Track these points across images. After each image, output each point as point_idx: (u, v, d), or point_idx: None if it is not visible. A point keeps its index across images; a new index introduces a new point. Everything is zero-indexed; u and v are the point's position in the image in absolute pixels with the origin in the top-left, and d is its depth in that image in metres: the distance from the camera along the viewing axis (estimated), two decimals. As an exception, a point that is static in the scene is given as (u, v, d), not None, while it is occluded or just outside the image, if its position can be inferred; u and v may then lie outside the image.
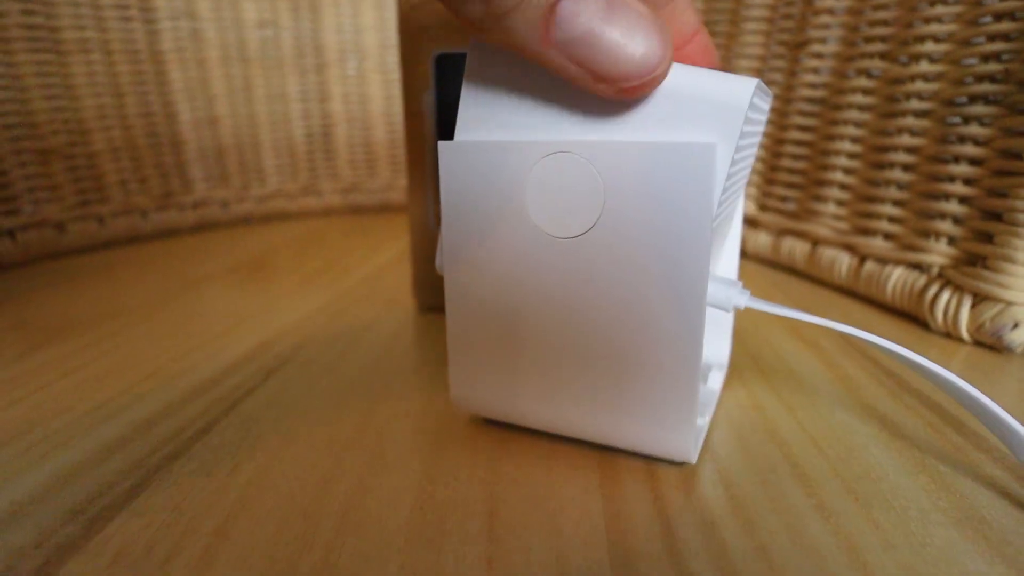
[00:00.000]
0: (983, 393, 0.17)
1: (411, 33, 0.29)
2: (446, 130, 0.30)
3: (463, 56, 0.28)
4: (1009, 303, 0.25)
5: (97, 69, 0.53)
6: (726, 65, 0.45)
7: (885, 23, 0.32)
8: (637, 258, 0.15)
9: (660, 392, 0.16)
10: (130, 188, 0.54)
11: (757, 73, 0.42)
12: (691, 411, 0.16)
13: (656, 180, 0.15)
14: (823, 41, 0.37)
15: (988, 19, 0.27)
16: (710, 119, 0.15)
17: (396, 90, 0.66)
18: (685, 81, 0.15)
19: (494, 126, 0.17)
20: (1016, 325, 0.25)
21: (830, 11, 0.36)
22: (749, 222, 0.42)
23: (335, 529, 0.15)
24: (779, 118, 0.40)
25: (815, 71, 0.37)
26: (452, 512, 0.16)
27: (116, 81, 0.54)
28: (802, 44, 0.38)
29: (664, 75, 0.14)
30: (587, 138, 0.16)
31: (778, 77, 0.40)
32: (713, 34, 0.46)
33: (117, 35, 0.54)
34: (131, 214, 0.54)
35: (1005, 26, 0.26)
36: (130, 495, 0.17)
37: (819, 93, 0.37)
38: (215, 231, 0.58)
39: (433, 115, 0.30)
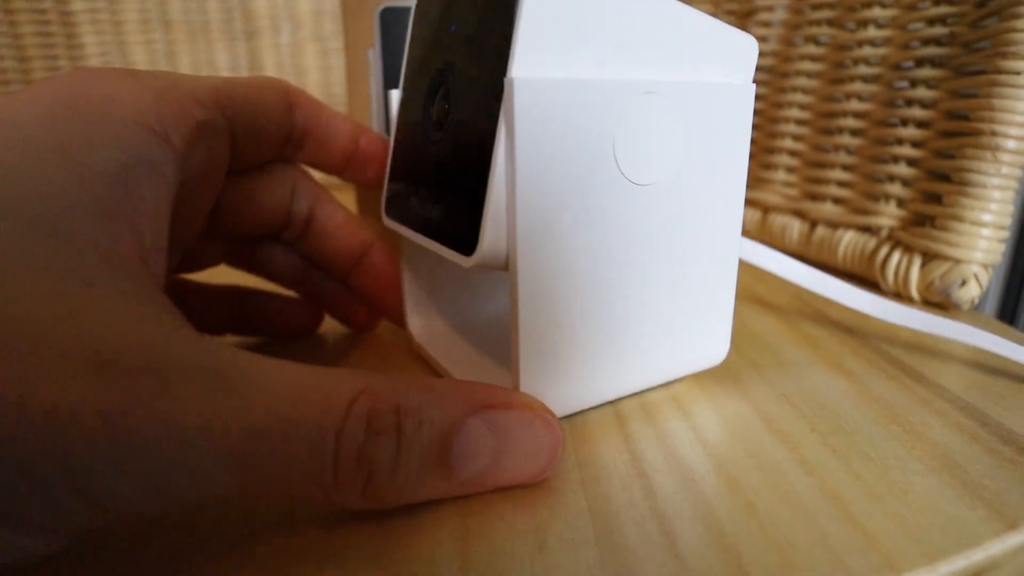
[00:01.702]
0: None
1: (354, -15, 0.27)
2: (392, 83, 0.29)
3: (407, 9, 0.27)
4: (957, 261, 0.25)
5: (-2, 30, 0.48)
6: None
7: (832, -11, 0.33)
8: (700, 196, 0.17)
9: (708, 309, 0.18)
10: (40, 161, 0.50)
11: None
12: (730, 314, 0.19)
13: (719, 120, 0.16)
14: (771, 10, 0.37)
15: (934, -17, 0.28)
16: (738, 61, 0.17)
17: (334, 60, 0.63)
18: (708, 25, 0.16)
19: (564, 61, 0.14)
20: (964, 282, 0.25)
21: (777, -21, 0.36)
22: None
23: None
24: (727, 87, 0.40)
25: (763, 40, 0.37)
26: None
27: (20, 43, 0.50)
28: (750, 13, 0.38)
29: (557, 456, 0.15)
30: (666, 77, 0.16)
31: (725, 46, 0.40)
32: None
33: (18, -8, 0.49)
34: (42, 189, 0.49)
35: (951, -11, 0.27)
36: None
37: (768, 62, 0.37)
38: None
39: (379, 72, 0.28)
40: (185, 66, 0.59)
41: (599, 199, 0.15)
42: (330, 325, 0.24)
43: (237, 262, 0.22)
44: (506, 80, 0.13)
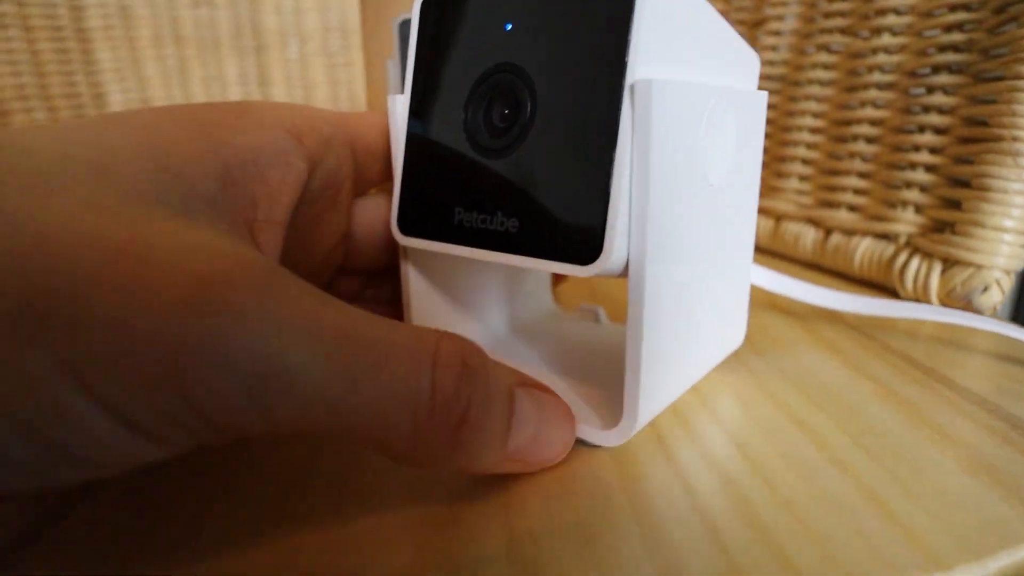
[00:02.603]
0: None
1: (373, 1, 0.28)
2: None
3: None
4: (979, 266, 0.25)
5: (16, 47, 0.49)
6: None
7: (844, -1, 0.33)
8: (738, 193, 0.18)
9: (736, 299, 0.20)
10: (55, 175, 0.50)
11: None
12: (747, 301, 0.21)
13: (750, 123, 0.18)
14: (781, 19, 0.37)
15: (948, -9, 0.28)
16: (750, 71, 0.19)
17: (341, 75, 0.64)
18: (737, 37, 0.17)
19: (668, 65, 0.14)
20: (986, 288, 0.25)
21: (788, -11, 0.37)
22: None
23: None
24: (739, 97, 0.40)
25: (774, 48, 0.37)
26: (475, 490, 0.15)
27: (37, 60, 0.50)
28: (760, 22, 0.38)
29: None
30: (726, 83, 0.17)
31: (737, 56, 0.40)
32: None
33: (37, 11, 0.50)
34: (57, 202, 0.50)
35: (966, -3, 0.27)
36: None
37: (778, 71, 0.37)
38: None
39: (398, 80, 0.29)
40: (196, 80, 0.60)
41: (691, 200, 0.15)
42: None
43: (369, 295, 0.22)
44: (636, 83, 0.13)
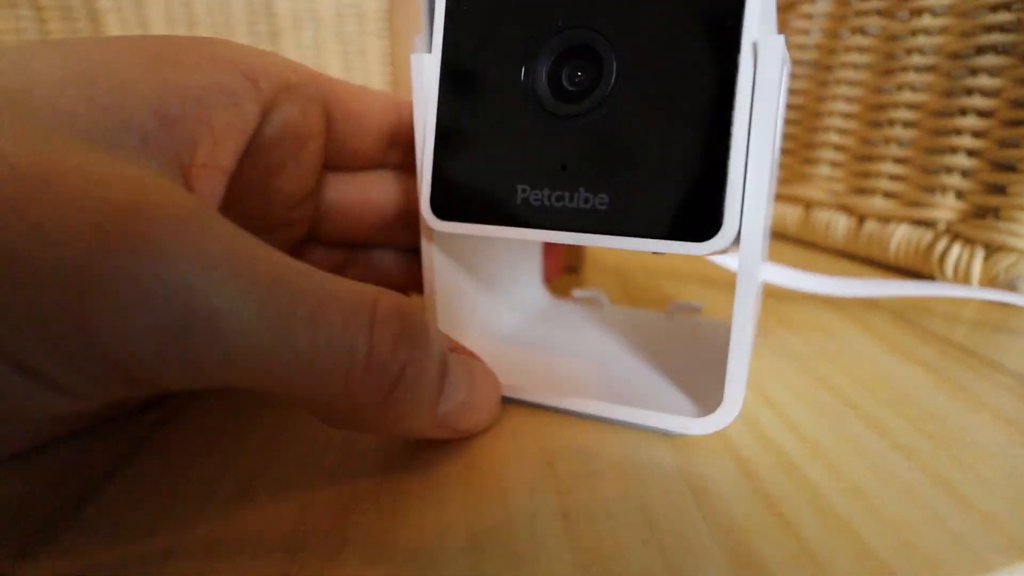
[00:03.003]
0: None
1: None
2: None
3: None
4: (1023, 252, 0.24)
5: (26, 26, 0.48)
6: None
7: (881, -20, 0.32)
8: None
9: None
10: (67, 157, 0.50)
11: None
12: None
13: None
14: (813, 2, 0.36)
15: (994, -30, 0.27)
16: None
17: (355, 62, 0.63)
18: None
19: (765, 21, 0.13)
20: (1031, 274, 0.24)
21: (819, -29, 0.36)
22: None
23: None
24: (766, 82, 0.39)
25: (805, 32, 0.37)
26: (532, 470, 0.14)
27: (47, 40, 0.49)
28: (791, 5, 0.37)
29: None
30: None
31: (764, 41, 0.39)
32: None
33: (48, -10, 0.49)
34: (69, 184, 0.49)
35: (1014, -25, 0.26)
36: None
37: (810, 55, 0.36)
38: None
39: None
40: (210, 65, 0.59)
41: (772, 169, 0.14)
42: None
43: (352, 271, 0.21)
44: (759, 41, 0.12)
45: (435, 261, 0.17)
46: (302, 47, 0.62)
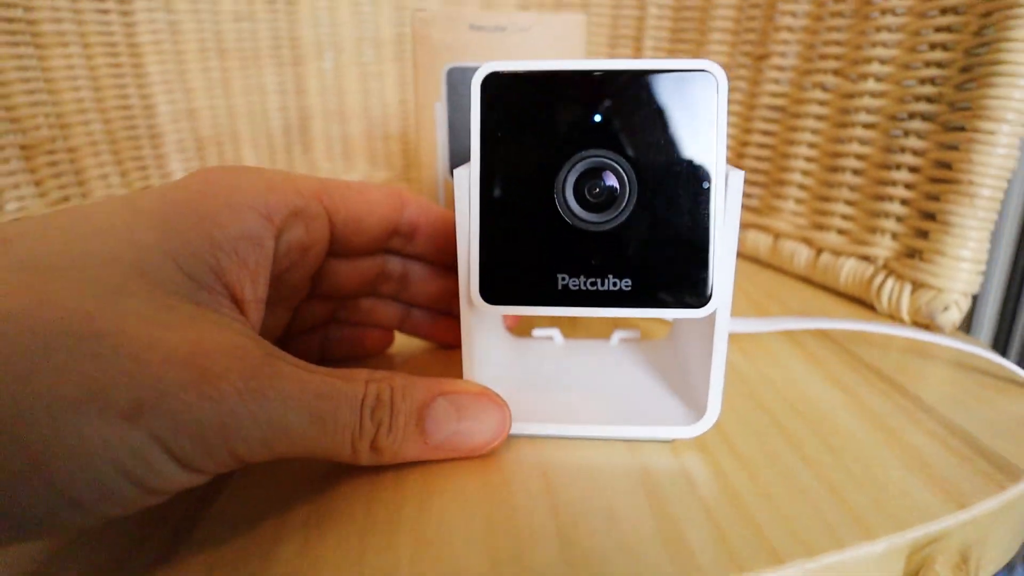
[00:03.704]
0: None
1: (425, 49, 0.32)
2: (455, 134, 0.33)
3: (472, 69, 0.31)
4: (941, 290, 0.30)
5: (76, 63, 0.53)
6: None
7: (838, 43, 0.37)
8: None
9: None
10: (111, 182, 0.55)
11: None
12: None
13: None
14: (783, 55, 0.41)
15: (925, 48, 0.32)
16: None
17: (373, 84, 0.68)
18: None
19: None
20: (947, 308, 0.29)
21: (789, 28, 0.41)
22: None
23: (421, 488, 0.18)
24: (744, 122, 0.44)
25: (776, 81, 0.42)
26: (516, 476, 0.19)
27: (95, 74, 0.54)
28: (764, 56, 0.42)
29: (507, 432, 0.20)
30: None
31: (742, 85, 0.44)
32: (681, 42, 0.50)
33: (94, 28, 0.54)
34: (115, 207, 0.54)
35: (939, 55, 0.31)
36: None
37: (779, 102, 0.41)
38: (200, 224, 0.58)
39: (445, 121, 0.33)
40: (237, 90, 0.64)
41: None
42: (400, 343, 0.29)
43: (342, 316, 0.26)
44: (729, 173, 0.18)
45: (473, 329, 0.21)
46: (323, 72, 0.67)
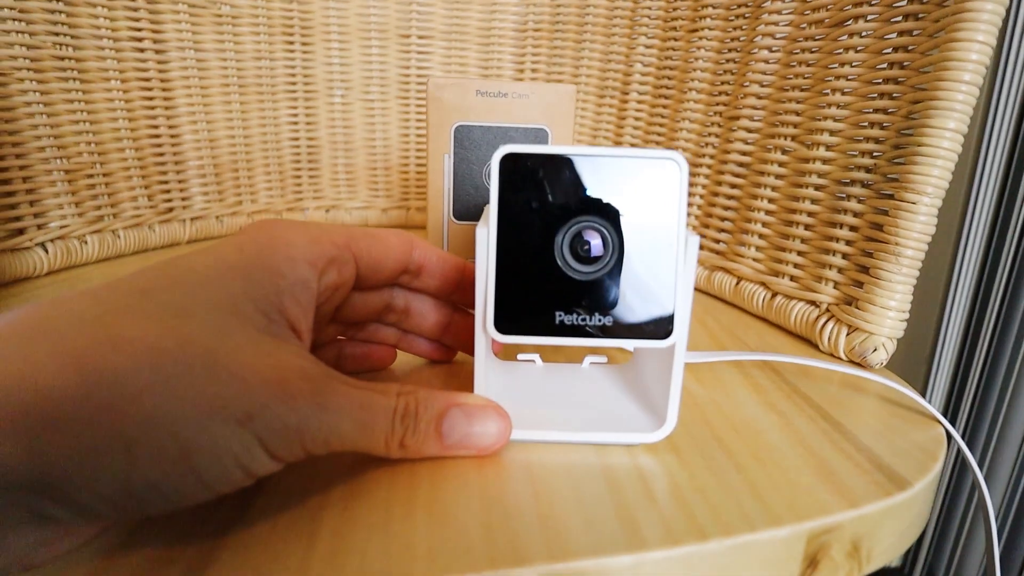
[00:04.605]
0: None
1: (437, 108, 0.37)
2: (459, 182, 0.38)
3: (476, 128, 0.37)
4: (871, 333, 0.35)
5: (115, 96, 0.58)
6: (673, 127, 0.54)
7: (797, 113, 0.42)
8: None
9: None
10: (139, 203, 0.60)
11: (698, 138, 0.52)
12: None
13: None
14: (751, 118, 0.47)
15: (867, 124, 0.37)
16: None
17: (378, 118, 0.73)
18: None
19: None
20: (875, 349, 0.35)
21: (756, 95, 0.46)
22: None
23: (428, 477, 0.23)
24: (715, 175, 0.50)
25: (744, 141, 0.47)
26: (506, 469, 0.24)
27: (131, 106, 0.59)
28: (735, 118, 0.48)
29: (508, 437, 0.25)
30: None
31: (715, 142, 0.50)
32: (663, 97, 0.56)
33: (132, 64, 0.59)
34: (141, 228, 0.59)
35: (877, 132, 0.36)
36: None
37: (746, 159, 0.47)
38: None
39: (451, 171, 0.38)
40: (254, 121, 0.69)
41: None
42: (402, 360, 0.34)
43: (351, 335, 0.31)
44: (688, 238, 0.23)
45: (484, 356, 0.26)
46: (333, 107, 0.72)
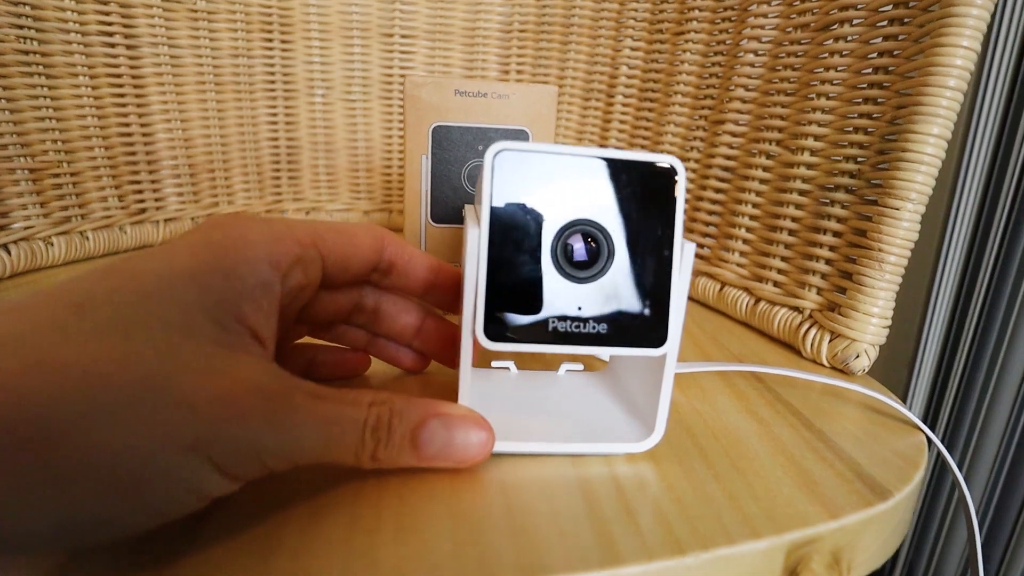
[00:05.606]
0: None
1: (414, 108, 0.36)
2: (437, 183, 0.37)
3: (455, 128, 0.36)
4: (853, 340, 0.34)
5: (83, 92, 0.56)
6: (658, 130, 0.54)
7: (781, 117, 0.42)
8: None
9: None
10: (109, 204, 0.58)
11: (684, 141, 0.51)
12: None
13: None
14: (736, 123, 0.46)
15: (851, 130, 0.37)
16: None
17: (359, 119, 0.72)
18: None
19: None
20: (858, 356, 0.34)
21: (741, 99, 0.46)
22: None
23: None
24: (700, 179, 0.49)
25: (729, 146, 0.47)
26: (478, 481, 0.23)
27: (100, 103, 0.58)
28: (720, 122, 0.47)
29: (491, 449, 0.23)
30: None
31: (700, 146, 0.49)
32: (649, 100, 0.56)
33: (102, 60, 0.58)
34: (111, 229, 0.57)
35: (861, 137, 0.36)
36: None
37: (731, 164, 0.46)
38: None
39: (428, 172, 0.37)
40: (232, 120, 0.68)
41: None
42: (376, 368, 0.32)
43: (318, 335, 0.30)
44: (684, 244, 0.22)
45: (468, 364, 0.24)
46: (314, 107, 0.71)
